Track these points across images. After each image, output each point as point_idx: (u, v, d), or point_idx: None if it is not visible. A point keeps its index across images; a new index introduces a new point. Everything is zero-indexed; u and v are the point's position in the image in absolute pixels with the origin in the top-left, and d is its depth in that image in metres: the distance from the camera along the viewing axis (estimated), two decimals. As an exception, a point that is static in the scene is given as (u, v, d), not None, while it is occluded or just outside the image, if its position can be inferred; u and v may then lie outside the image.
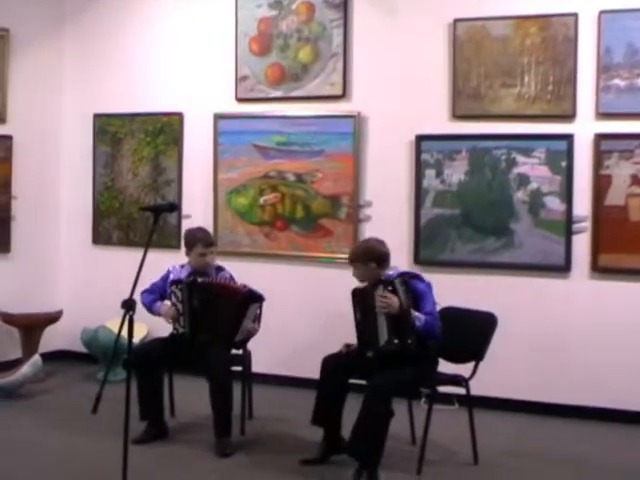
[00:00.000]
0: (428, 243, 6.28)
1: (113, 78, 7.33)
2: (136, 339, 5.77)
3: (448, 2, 6.22)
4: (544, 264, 5.98)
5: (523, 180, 6.02)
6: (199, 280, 5.30)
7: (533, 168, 6.00)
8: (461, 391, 4.98)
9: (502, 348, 5.35)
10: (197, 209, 6.99)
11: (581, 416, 5.89)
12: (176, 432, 5.45)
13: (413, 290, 4.70)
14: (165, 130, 7.13)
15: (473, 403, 4.98)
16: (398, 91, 6.38)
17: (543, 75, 5.95)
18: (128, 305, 3.81)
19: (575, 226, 5.92)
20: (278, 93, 6.73)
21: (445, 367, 5.02)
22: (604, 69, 5.81)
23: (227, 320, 5.27)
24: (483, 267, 6.14)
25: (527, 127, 6.01)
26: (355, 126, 6.43)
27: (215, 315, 5.25)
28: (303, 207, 6.67)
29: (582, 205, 5.91)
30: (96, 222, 7.45)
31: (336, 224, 6.56)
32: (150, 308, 5.45)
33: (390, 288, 4.64)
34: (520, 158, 6.02)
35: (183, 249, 5.59)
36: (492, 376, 5.57)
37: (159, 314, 5.42)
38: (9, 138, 7.00)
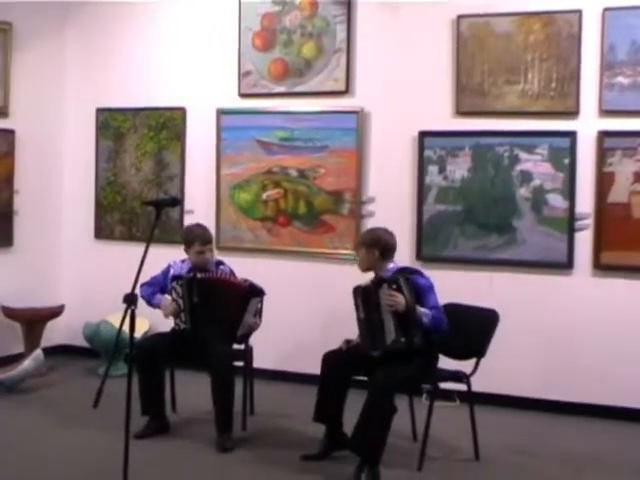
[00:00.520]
0: (430, 239, 6.28)
1: (116, 73, 7.33)
2: (138, 334, 5.73)
3: (452, -2, 6.23)
4: (546, 261, 5.98)
5: (526, 177, 6.02)
6: (199, 276, 5.30)
7: (536, 165, 6.00)
8: (462, 387, 4.98)
9: (504, 345, 5.34)
10: (200, 204, 6.99)
11: (583, 413, 5.89)
12: (177, 427, 5.46)
13: (415, 286, 4.70)
14: (168, 125, 7.13)
15: (474, 400, 4.98)
16: (401, 87, 6.37)
17: (546, 72, 5.95)
18: (130, 300, 3.81)
19: (578, 223, 5.92)
20: (281, 89, 6.73)
21: (446, 363, 5.02)
22: (608, 66, 5.80)
23: (228, 315, 5.27)
24: (485, 264, 6.14)
25: (530, 124, 6.00)
26: (358, 122, 6.43)
27: (216, 310, 5.25)
28: (306, 203, 6.67)
29: (585, 202, 5.91)
30: (98, 217, 7.46)
31: (339, 220, 6.56)
32: (149, 301, 5.45)
33: (395, 286, 4.62)
34: (523, 155, 6.02)
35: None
36: (493, 373, 5.58)
37: (158, 307, 5.42)
38: (12, 132, 7.00)
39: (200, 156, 7.03)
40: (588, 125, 5.86)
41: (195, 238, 5.40)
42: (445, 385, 5.01)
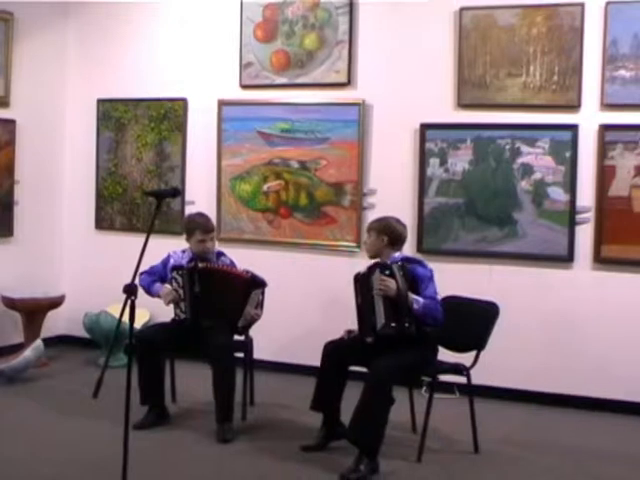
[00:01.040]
0: (431, 232, 6.28)
1: (117, 63, 7.32)
2: (138, 324, 5.75)
3: (454, -10, 6.22)
4: (547, 254, 5.98)
5: (527, 170, 6.02)
6: (200, 266, 5.30)
7: (537, 158, 5.99)
8: (462, 380, 4.99)
9: (504, 337, 5.35)
10: (200, 195, 6.99)
11: (583, 406, 5.90)
12: (177, 417, 5.47)
13: (413, 275, 4.71)
14: (169, 116, 7.12)
15: (474, 392, 4.99)
16: (403, 79, 6.36)
17: (549, 65, 5.94)
18: (130, 290, 3.80)
19: (578, 217, 5.91)
20: (283, 80, 6.72)
21: (446, 356, 5.03)
22: (610, 60, 5.79)
23: (230, 306, 5.28)
24: (486, 256, 6.15)
25: (532, 117, 6.00)
26: (360, 114, 6.42)
27: (217, 301, 5.26)
28: (307, 194, 6.67)
29: (586, 196, 5.91)
30: (99, 207, 7.46)
31: (340, 212, 6.56)
32: (148, 290, 5.45)
33: (387, 272, 4.65)
34: (524, 148, 6.01)
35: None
36: (493, 365, 5.59)
37: (158, 296, 5.41)
38: (12, 122, 7.00)
39: (201, 147, 7.03)
40: (590, 118, 5.85)
41: (197, 226, 5.40)
42: (445, 377, 5.03)
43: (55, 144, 7.48)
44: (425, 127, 6.25)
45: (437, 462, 4.81)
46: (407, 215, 6.29)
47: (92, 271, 7.43)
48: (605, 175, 5.83)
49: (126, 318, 3.82)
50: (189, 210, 6.73)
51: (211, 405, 5.16)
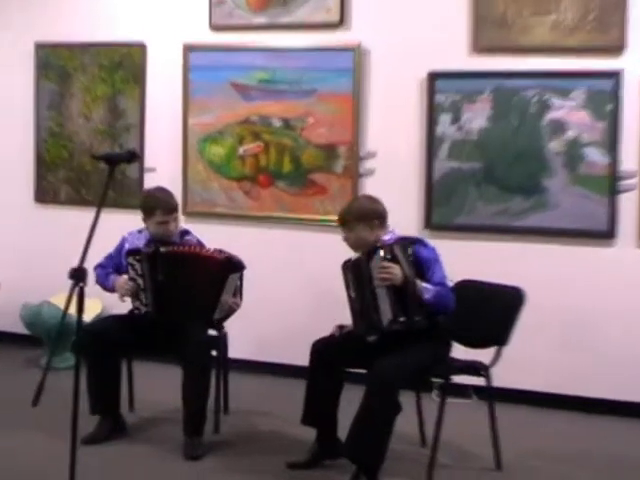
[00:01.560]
0: (442, 203, 6.28)
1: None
2: (88, 317, 5.75)
3: None
4: (583, 229, 5.99)
5: (558, 127, 6.01)
6: (162, 250, 5.27)
7: (570, 113, 5.99)
8: (480, 382, 4.99)
9: (530, 330, 5.36)
10: (163, 160, 6.98)
11: (622, 413, 5.93)
12: (135, 429, 5.47)
13: (416, 258, 4.70)
14: (124, 64, 7.09)
15: (495, 396, 4.99)
16: (408, 18, 6.34)
17: (584, -1, 5.93)
18: (78, 275, 3.78)
19: (621, 183, 5.92)
20: (261, 20, 6.69)
21: (461, 352, 5.03)
22: (659, -8, 5.79)
23: (202, 295, 5.26)
24: (508, 232, 6.15)
25: (564, 62, 5.98)
26: (355, 60, 6.40)
27: (186, 290, 5.23)
28: (291, 159, 6.66)
29: (630, 158, 5.91)
30: (39, 176, 7.44)
31: (331, 179, 6.55)
32: (104, 285, 5.46)
33: (389, 256, 4.62)
34: (555, 100, 6.00)
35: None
36: (518, 364, 5.60)
37: (113, 290, 5.40)
38: None
39: (163, 102, 7.01)
40: (636, 63, 5.85)
41: (157, 205, 5.36)
42: (459, 378, 5.01)
43: (-15, 99, 7.45)
44: (434, 76, 6.24)
45: (451, 481, 4.83)
46: (412, 183, 6.30)
47: (31, 253, 7.41)
48: (653, 133, 5.85)
49: (73, 309, 3.79)
50: (149, 178, 6.72)
51: (177, 414, 5.16)
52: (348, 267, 4.85)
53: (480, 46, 6.15)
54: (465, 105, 6.20)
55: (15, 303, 7.03)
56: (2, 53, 7.47)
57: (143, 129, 7.09)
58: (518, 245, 6.15)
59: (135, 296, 5.31)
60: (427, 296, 4.61)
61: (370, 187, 6.30)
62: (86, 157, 7.20)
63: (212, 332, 5.51)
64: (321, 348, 4.91)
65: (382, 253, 4.64)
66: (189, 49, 6.85)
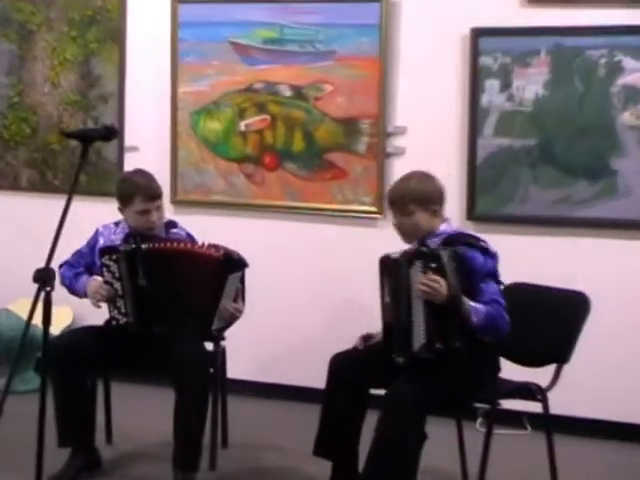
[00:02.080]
0: (488, 189, 6.29)
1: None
2: (56, 329, 5.76)
3: None
4: (661, 221, 6.00)
5: (632, 95, 6.01)
6: (144, 246, 5.27)
7: (647, 78, 6.00)
8: (535, 407, 4.97)
9: (597, 345, 5.35)
10: (147, 138, 7.01)
11: None
12: (113, 466, 5.47)
13: (468, 266, 4.64)
14: (98, 19, 7.10)
15: (553, 425, 4.96)
16: (446, -38, 6.35)
17: (663, -62, 5.93)
18: (44, 278, 3.79)
19: None
20: (267, -35, 6.71)
21: (511, 371, 5.01)
22: None
23: (196, 301, 5.25)
24: (569, 225, 6.16)
25: (638, 15, 5.96)
26: (381, 14, 6.40)
27: (176, 296, 5.23)
28: (303, 135, 6.68)
29: None
30: (-4, 156, 7.48)
31: (352, 161, 6.56)
32: (72, 288, 5.45)
33: (434, 265, 4.57)
34: (628, 62, 5.99)
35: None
36: (580, 386, 5.60)
37: (84, 294, 5.40)
38: None
39: (147, 66, 7.03)
40: None
41: (135, 190, 5.34)
42: (510, 404, 5.00)
43: None
44: (478, 33, 6.23)
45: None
46: (452, 165, 6.31)
47: (-13, 251, 7.44)
48: None
49: (38, 319, 3.80)
50: (130, 161, 6.73)
51: (162, 447, 5.19)
52: (387, 266, 4.73)
53: (535, -4, 6.16)
54: (517, 69, 6.20)
55: (-33, 311, 7.07)
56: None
57: (123, 99, 7.10)
58: (581, 240, 6.15)
59: (112, 304, 5.31)
60: (475, 319, 4.52)
61: (399, 170, 6.27)
62: (53, 134, 7.23)
63: (209, 345, 5.51)
64: (342, 364, 4.89)
65: (425, 261, 4.54)
66: (179, 0, 6.86)
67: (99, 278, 5.35)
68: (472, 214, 6.28)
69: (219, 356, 5.57)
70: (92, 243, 5.53)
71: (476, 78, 6.27)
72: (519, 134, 6.23)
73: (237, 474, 5.44)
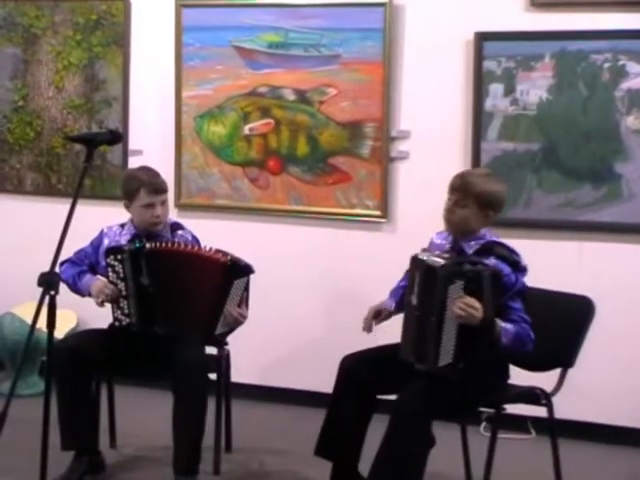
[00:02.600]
0: (493, 193, 6.26)
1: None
2: (60, 332, 5.75)
3: None
4: (666, 225, 5.99)
5: (636, 99, 6.00)
6: (149, 246, 5.27)
7: (651, 81, 5.99)
8: (540, 412, 4.98)
9: (601, 349, 5.33)
10: (151, 141, 7.00)
11: None
12: (116, 469, 5.47)
13: (502, 286, 4.57)
14: (103, 23, 7.10)
15: (557, 430, 4.96)
16: (450, -34, 6.35)
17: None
18: (48, 281, 3.79)
19: None
20: (271, -31, 6.71)
21: (516, 376, 5.00)
22: None
23: (199, 305, 5.24)
24: (574, 229, 6.15)
25: (643, 20, 5.99)
26: (386, 19, 6.40)
27: (179, 298, 5.23)
28: (307, 139, 6.67)
29: None
30: (1, 160, 7.46)
31: (356, 165, 6.56)
32: (74, 286, 5.43)
33: (474, 286, 4.47)
34: (632, 66, 5.98)
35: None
36: (585, 391, 5.58)
37: (88, 293, 5.39)
38: None
39: (151, 70, 7.03)
40: None
41: (140, 184, 5.34)
42: (514, 408, 4.99)
43: None
44: (482, 37, 6.23)
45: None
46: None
47: (-9, 255, 7.43)
48: None
49: (42, 323, 3.79)
50: (134, 164, 6.68)
51: (165, 451, 5.18)
52: (420, 267, 4.64)
53: (539, 0, 6.14)
54: (521, 73, 6.19)
55: (-29, 315, 7.06)
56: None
57: (127, 103, 7.10)
58: (586, 245, 6.14)
59: (116, 304, 5.31)
60: (505, 341, 4.54)
61: (403, 174, 6.31)
62: (58, 137, 7.23)
63: (210, 349, 5.50)
64: (352, 366, 4.89)
65: (466, 282, 4.47)
66: (182, 5, 6.85)
67: (102, 278, 5.36)
68: (476, 218, 6.27)
69: (223, 360, 5.59)
70: (96, 243, 5.53)
71: (480, 82, 6.26)
72: (523, 138, 6.22)
73: (241, 478, 5.44)
